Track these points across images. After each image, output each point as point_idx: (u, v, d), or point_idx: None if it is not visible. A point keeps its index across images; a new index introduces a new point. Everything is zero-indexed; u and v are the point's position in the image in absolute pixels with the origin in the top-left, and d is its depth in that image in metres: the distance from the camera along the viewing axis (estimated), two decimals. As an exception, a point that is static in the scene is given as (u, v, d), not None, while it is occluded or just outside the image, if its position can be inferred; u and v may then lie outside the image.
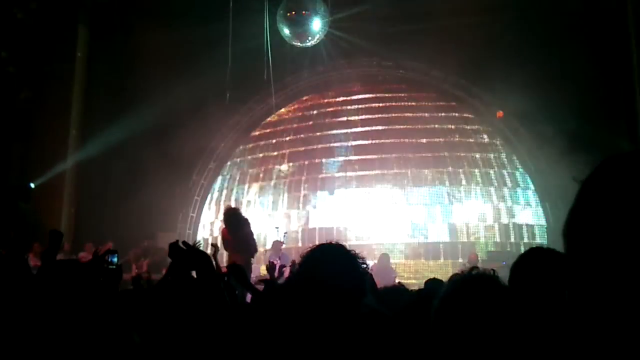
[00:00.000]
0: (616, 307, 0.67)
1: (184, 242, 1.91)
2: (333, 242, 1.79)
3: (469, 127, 12.59)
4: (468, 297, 1.44)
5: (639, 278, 0.65)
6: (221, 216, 11.99)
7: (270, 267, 5.93)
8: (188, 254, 1.86)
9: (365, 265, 1.72)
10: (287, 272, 6.12)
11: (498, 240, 11.84)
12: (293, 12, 10.25)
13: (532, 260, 2.00)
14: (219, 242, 8.97)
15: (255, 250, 8.01)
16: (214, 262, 6.79)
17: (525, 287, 1.80)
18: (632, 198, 0.67)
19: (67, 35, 12.86)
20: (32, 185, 12.23)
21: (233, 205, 10.68)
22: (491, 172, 12.20)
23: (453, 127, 12.58)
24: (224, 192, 13.78)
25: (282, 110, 13.90)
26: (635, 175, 0.69)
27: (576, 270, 0.71)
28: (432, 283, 3.43)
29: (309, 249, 1.75)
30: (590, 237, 0.70)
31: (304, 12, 10.27)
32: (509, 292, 1.46)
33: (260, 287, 3.98)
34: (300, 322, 1.57)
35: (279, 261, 9.52)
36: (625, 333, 0.65)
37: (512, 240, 11.78)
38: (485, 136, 12.53)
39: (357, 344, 1.53)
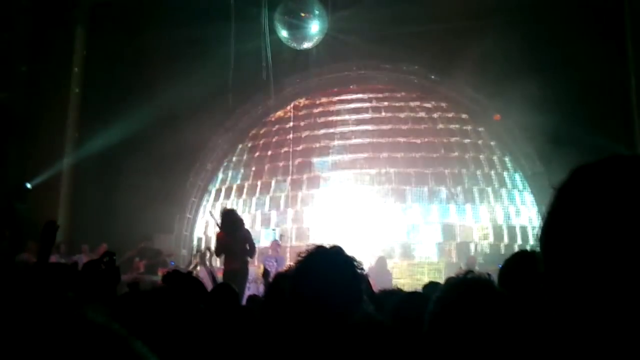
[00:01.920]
0: (590, 309, 0.69)
1: (176, 271, 1.91)
2: (329, 246, 1.77)
3: (465, 129, 12.63)
4: (462, 302, 1.44)
5: (609, 283, 0.67)
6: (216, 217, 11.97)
7: (265, 273, 5.91)
8: (182, 282, 1.86)
9: (361, 270, 1.71)
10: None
11: (492, 242, 11.85)
12: (291, 15, 10.26)
13: (517, 264, 2.00)
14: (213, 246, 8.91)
15: (254, 252, 7.98)
16: (209, 268, 6.71)
17: (513, 291, 1.80)
18: (601, 206, 0.70)
19: (64, 35, 12.85)
20: (29, 185, 12.21)
21: (229, 207, 10.66)
22: (487, 173, 12.23)
23: (449, 128, 12.61)
24: (221, 193, 13.77)
25: (280, 111, 13.92)
26: (605, 184, 0.71)
27: (550, 273, 0.74)
28: (431, 287, 3.43)
29: (305, 253, 1.73)
30: (562, 242, 0.72)
31: (302, 14, 10.28)
32: (504, 297, 1.47)
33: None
34: (296, 328, 1.57)
35: (275, 264, 9.55)
36: (601, 335, 0.67)
37: (507, 242, 11.78)
38: (481, 138, 12.55)
39: (352, 351, 1.53)
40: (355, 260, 1.72)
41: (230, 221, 7.72)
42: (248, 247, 7.68)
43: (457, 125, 12.66)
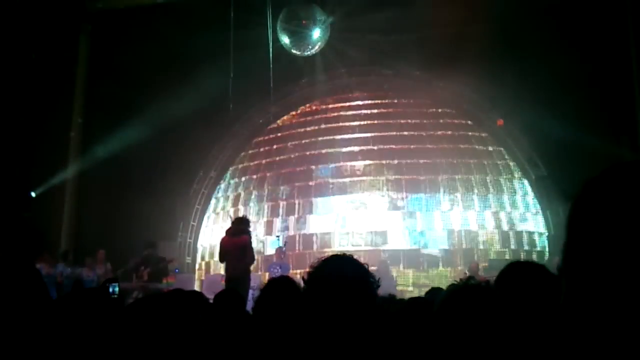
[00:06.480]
0: (616, 305, 0.67)
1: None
2: (345, 255, 1.76)
3: (468, 134, 12.63)
4: (463, 308, 1.46)
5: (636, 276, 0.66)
6: (221, 224, 12.01)
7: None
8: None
9: (373, 278, 1.70)
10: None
11: (498, 248, 11.82)
12: (293, 22, 10.29)
13: (512, 275, 1.99)
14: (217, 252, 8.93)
15: (253, 259, 8.07)
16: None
17: (509, 302, 1.79)
18: (636, 202, 0.68)
19: (68, 44, 12.92)
20: (33, 194, 12.24)
21: (242, 215, 10.69)
22: (491, 179, 12.21)
23: (452, 134, 12.61)
24: (225, 200, 13.79)
25: (282, 118, 13.97)
26: (616, 195, 0.70)
27: (575, 263, 0.72)
28: (433, 293, 3.43)
29: (320, 261, 1.73)
30: (590, 232, 0.70)
31: (304, 21, 10.32)
32: (503, 304, 1.48)
33: None
34: (310, 335, 1.57)
35: (279, 270, 9.57)
36: (626, 332, 0.66)
37: (513, 247, 11.76)
38: (484, 143, 12.55)
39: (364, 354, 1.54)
40: (368, 269, 1.72)
41: (241, 224, 7.88)
42: (248, 254, 7.78)
43: (460, 132, 12.66)
